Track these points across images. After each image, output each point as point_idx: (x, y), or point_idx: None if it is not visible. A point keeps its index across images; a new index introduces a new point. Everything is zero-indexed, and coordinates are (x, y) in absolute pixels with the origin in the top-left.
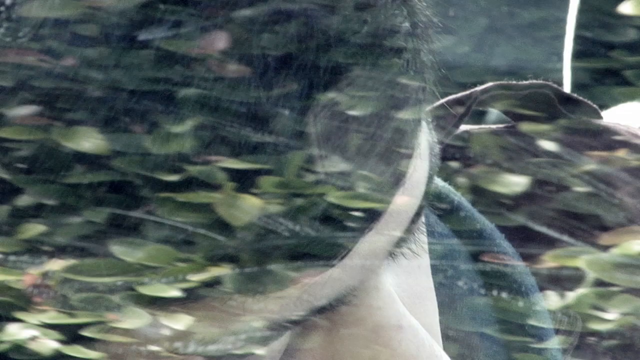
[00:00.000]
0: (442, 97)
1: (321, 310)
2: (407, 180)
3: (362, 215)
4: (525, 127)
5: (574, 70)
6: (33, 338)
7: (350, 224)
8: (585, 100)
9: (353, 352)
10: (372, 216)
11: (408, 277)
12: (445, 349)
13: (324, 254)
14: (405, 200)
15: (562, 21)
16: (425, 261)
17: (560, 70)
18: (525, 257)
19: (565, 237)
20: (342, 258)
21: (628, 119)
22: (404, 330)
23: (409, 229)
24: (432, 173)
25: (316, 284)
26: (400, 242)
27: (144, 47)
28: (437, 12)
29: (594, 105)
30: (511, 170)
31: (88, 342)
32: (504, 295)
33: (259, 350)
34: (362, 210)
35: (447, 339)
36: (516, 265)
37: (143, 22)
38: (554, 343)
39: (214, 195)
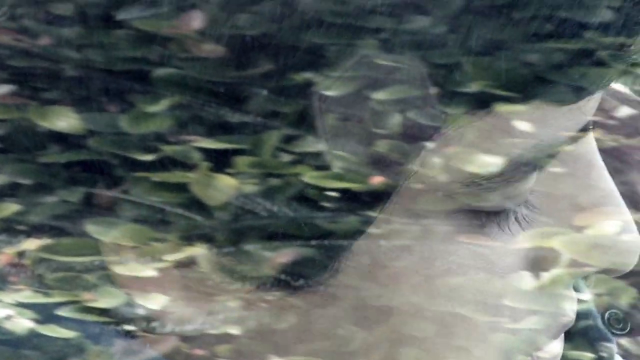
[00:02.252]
0: (420, 78)
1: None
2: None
3: None
4: (501, 107)
5: (549, 51)
6: (8, 317)
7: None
8: (561, 80)
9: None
10: None
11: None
12: None
13: (300, 234)
14: (381, 180)
15: (540, 2)
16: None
17: (537, 51)
18: (500, 237)
19: (540, 218)
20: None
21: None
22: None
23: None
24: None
25: None
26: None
27: (120, 26)
28: None
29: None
30: (487, 151)
31: (63, 321)
32: None
33: (234, 330)
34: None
35: None
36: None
37: (119, 1)
38: None
39: (189, 175)
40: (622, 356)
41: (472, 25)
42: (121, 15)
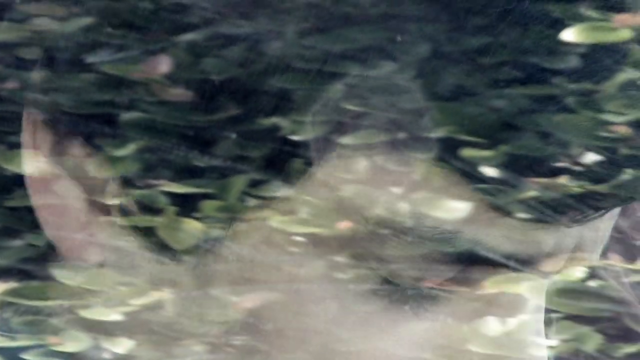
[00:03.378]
0: (386, 123)
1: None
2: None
3: None
4: (468, 152)
5: (516, 96)
6: None
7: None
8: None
9: None
10: None
11: None
12: None
13: (266, 278)
14: (348, 225)
15: (507, 47)
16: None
17: (504, 97)
18: (467, 282)
19: (507, 263)
20: None
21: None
22: None
23: None
24: None
25: None
26: None
27: (88, 70)
28: (382, 37)
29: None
30: (453, 196)
31: None
32: None
33: None
34: (305, 235)
35: None
36: None
37: (87, 45)
38: None
39: (156, 219)
40: None
41: (438, 71)
42: (90, 59)
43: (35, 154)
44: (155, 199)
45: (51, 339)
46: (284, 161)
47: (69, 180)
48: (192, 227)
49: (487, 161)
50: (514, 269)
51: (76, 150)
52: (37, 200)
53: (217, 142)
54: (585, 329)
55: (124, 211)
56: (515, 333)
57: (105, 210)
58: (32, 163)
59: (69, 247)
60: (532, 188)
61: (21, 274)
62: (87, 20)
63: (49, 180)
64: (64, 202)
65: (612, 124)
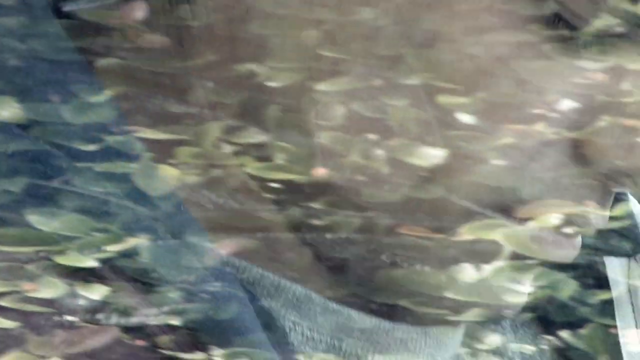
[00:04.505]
0: (365, 68)
1: None
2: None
3: None
4: (444, 99)
5: (493, 43)
6: None
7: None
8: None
9: None
10: None
11: None
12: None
13: (242, 224)
14: (324, 172)
15: None
16: None
17: (480, 44)
18: (443, 230)
19: (482, 210)
20: None
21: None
22: None
23: None
24: None
25: None
26: None
27: (65, 16)
28: None
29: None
30: (429, 143)
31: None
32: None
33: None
34: (281, 182)
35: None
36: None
37: None
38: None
39: (131, 165)
40: (563, 349)
41: (415, 17)
42: (67, 7)
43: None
44: (131, 145)
45: (26, 285)
46: (260, 108)
47: None
48: (168, 174)
49: (463, 108)
50: (490, 216)
51: (51, 97)
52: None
53: (192, 89)
54: (560, 276)
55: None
56: (491, 279)
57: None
58: (6, 108)
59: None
60: (509, 135)
61: None
62: None
63: None
64: None
65: (588, 70)
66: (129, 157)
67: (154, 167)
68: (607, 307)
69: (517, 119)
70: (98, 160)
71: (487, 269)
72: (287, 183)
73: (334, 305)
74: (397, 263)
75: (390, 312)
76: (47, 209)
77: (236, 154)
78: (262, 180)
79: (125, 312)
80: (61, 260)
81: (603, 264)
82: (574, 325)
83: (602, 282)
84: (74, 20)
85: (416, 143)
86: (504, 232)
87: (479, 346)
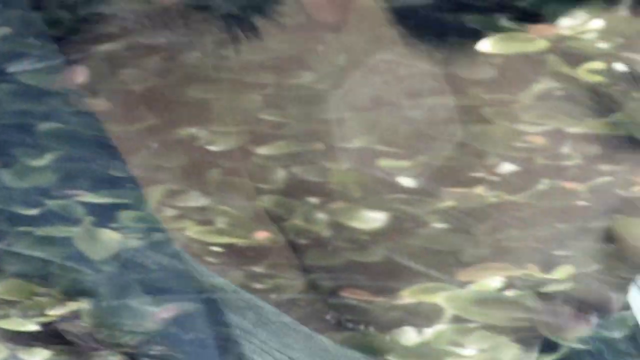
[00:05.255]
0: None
1: None
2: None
3: None
4: (385, 162)
5: (433, 106)
6: None
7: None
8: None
9: None
10: None
11: None
12: None
13: (184, 288)
14: (266, 236)
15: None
16: None
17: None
18: (385, 292)
19: (423, 273)
20: None
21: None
22: None
23: None
24: None
25: None
26: None
27: (7, 80)
28: (300, 47)
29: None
30: (370, 206)
31: None
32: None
33: None
34: (222, 245)
35: None
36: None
37: (6, 55)
38: None
39: (73, 229)
40: None
41: (356, 81)
42: (9, 69)
43: None
44: (72, 209)
45: None
46: (201, 171)
47: None
48: (109, 238)
49: (404, 171)
50: (431, 279)
51: None
52: None
53: (134, 153)
54: (502, 339)
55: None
56: (432, 343)
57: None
58: None
59: None
60: (450, 198)
61: None
62: (5, 30)
63: None
64: None
65: (528, 134)
66: (70, 221)
67: (95, 231)
68: None
69: (457, 182)
70: (39, 224)
71: (429, 332)
72: (228, 247)
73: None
74: (342, 324)
75: None
76: None
77: (178, 217)
78: (203, 244)
79: None
80: (3, 324)
81: (546, 325)
82: None
83: (545, 344)
84: (16, 84)
85: (357, 206)
86: (446, 295)
87: None
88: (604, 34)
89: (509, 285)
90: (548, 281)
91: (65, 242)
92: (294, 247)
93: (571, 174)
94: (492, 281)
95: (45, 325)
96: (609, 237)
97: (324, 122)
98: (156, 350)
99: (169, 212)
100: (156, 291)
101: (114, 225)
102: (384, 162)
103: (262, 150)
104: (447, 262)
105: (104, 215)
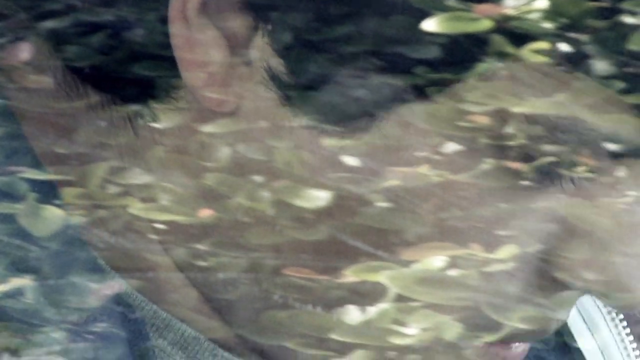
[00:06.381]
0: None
1: None
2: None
3: None
4: (329, 142)
5: (378, 86)
6: None
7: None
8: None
9: None
10: None
11: None
12: None
13: (127, 265)
14: (209, 214)
15: (368, 37)
16: None
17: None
18: (328, 271)
19: (367, 252)
20: None
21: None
22: None
23: None
24: None
25: None
26: None
27: None
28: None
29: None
30: (314, 185)
31: None
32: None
33: None
34: (166, 223)
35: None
36: None
37: None
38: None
39: (16, 206)
40: None
41: (300, 60)
42: None
43: None
44: (16, 185)
45: None
46: (145, 149)
47: None
48: (53, 214)
49: (348, 150)
50: (375, 258)
51: None
52: None
53: (78, 130)
54: (445, 318)
55: None
56: (376, 321)
57: None
58: None
59: None
60: (394, 177)
61: None
62: None
63: None
64: None
65: (473, 113)
66: (14, 197)
67: (39, 208)
68: None
69: (401, 161)
70: None
71: (373, 310)
72: (171, 224)
73: (223, 353)
74: (289, 303)
75: (276, 354)
76: None
77: (121, 194)
78: (147, 221)
79: (10, 352)
80: None
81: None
82: None
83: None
84: None
85: (301, 185)
86: (389, 274)
87: None
88: (548, 14)
89: (453, 264)
90: (491, 261)
91: (9, 218)
92: (238, 226)
93: (514, 154)
94: (435, 260)
95: None
96: (552, 219)
97: (270, 100)
98: (99, 326)
99: (112, 189)
100: (99, 268)
101: (57, 202)
102: (328, 141)
103: (207, 128)
104: (391, 241)
105: (48, 192)
